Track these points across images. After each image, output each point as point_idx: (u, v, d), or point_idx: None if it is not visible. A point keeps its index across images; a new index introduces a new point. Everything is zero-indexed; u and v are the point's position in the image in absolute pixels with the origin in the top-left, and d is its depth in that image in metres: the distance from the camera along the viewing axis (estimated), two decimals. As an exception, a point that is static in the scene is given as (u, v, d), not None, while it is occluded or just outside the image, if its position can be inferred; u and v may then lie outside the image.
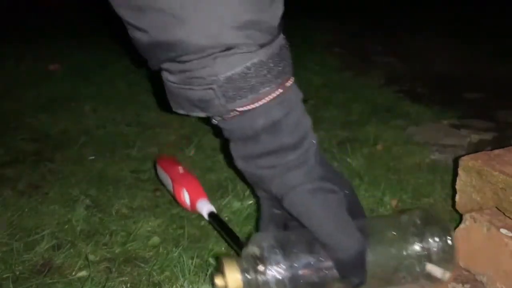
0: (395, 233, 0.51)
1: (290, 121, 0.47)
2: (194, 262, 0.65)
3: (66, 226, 0.74)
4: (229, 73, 0.43)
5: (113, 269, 0.65)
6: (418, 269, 0.50)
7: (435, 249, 0.50)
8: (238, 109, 0.45)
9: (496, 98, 1.32)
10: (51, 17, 2.27)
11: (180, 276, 0.62)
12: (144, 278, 0.63)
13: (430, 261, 0.51)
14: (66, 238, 0.71)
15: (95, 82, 1.43)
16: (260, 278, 0.47)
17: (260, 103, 0.45)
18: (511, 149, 0.65)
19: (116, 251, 0.68)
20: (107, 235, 0.72)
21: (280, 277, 0.47)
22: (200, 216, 0.76)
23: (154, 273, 0.64)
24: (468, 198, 0.65)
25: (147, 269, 0.65)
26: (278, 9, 0.45)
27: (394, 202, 0.77)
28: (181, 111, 0.47)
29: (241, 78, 0.43)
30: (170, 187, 0.72)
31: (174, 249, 0.68)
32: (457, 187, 0.66)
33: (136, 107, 1.25)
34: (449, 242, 0.50)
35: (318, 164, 0.49)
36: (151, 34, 0.44)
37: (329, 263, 0.48)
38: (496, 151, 0.65)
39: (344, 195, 0.49)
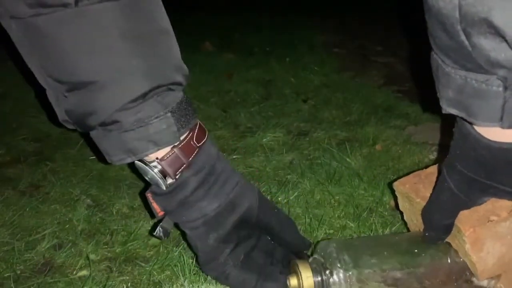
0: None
1: None
2: (194, 262, 0.65)
3: (67, 226, 0.75)
4: None
5: (114, 269, 0.65)
6: (464, 278, 0.55)
7: None
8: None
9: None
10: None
11: (181, 276, 0.63)
12: (144, 277, 0.64)
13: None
14: (67, 238, 0.72)
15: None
16: (330, 278, 0.53)
17: None
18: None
19: (117, 251, 0.69)
20: (108, 235, 0.72)
21: (348, 277, 0.53)
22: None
23: (155, 272, 0.64)
24: (409, 219, 0.65)
25: (147, 268, 0.65)
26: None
27: (393, 202, 0.77)
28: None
29: None
30: None
31: (174, 248, 0.68)
32: (400, 208, 0.67)
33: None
34: None
35: None
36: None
37: (390, 265, 0.54)
38: (430, 169, 0.64)
39: None
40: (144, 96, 0.51)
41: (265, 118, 1.15)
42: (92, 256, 0.67)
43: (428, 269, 0.55)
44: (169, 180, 0.55)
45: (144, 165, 0.55)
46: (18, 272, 0.65)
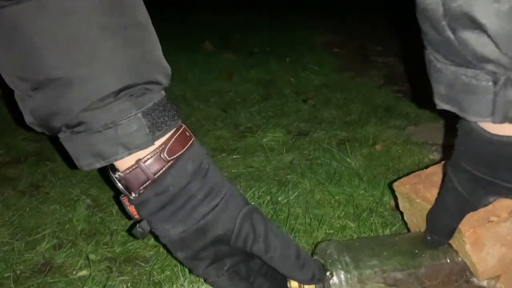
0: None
1: None
2: (194, 262, 0.65)
3: (67, 226, 0.75)
4: None
5: (114, 269, 0.65)
6: (464, 279, 0.55)
7: None
8: None
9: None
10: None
11: (181, 276, 0.63)
12: (144, 277, 0.64)
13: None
14: (67, 238, 0.72)
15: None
16: (330, 280, 0.53)
17: None
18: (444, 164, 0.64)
19: (117, 251, 0.69)
20: (108, 235, 0.72)
21: (349, 278, 0.53)
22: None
23: (155, 273, 0.64)
24: (410, 220, 0.65)
25: (147, 268, 0.65)
26: None
27: (393, 202, 0.77)
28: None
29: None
30: None
31: (174, 248, 0.68)
32: (400, 209, 0.66)
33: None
34: None
35: None
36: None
37: (390, 265, 0.54)
38: (430, 169, 0.64)
39: None
40: (115, 95, 0.46)
41: (265, 118, 1.15)
42: (92, 256, 0.67)
43: (428, 270, 0.55)
44: (133, 194, 0.50)
45: (111, 176, 0.50)
46: (18, 272, 0.65)
